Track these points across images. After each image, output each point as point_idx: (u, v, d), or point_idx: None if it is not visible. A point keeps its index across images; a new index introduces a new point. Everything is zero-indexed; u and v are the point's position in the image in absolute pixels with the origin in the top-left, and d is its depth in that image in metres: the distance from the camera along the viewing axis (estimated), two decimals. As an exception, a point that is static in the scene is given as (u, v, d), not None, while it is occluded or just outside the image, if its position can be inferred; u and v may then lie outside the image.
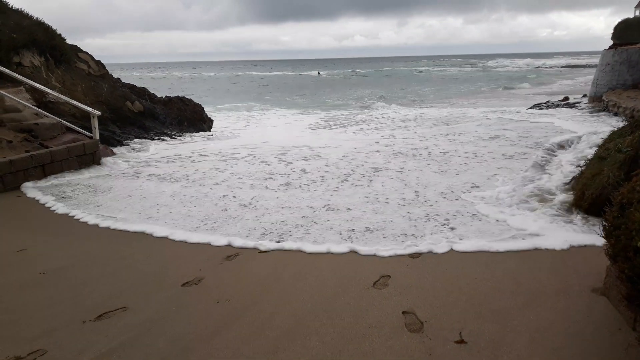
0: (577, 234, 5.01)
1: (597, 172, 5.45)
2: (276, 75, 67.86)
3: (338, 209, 6.44)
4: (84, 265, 4.75)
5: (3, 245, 5.35)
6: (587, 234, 4.95)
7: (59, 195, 7.50)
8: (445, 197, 6.77)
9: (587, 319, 3.35)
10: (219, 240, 5.35)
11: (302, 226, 5.77)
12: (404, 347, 3.11)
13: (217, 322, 3.54)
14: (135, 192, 7.63)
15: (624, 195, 3.41)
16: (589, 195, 5.34)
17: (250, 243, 5.22)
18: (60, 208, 6.82)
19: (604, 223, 3.47)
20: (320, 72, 70.44)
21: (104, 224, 6.08)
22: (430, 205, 6.41)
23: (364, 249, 4.90)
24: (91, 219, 6.27)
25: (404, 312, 3.56)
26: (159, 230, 5.73)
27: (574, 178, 6.51)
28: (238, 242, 5.27)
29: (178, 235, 5.57)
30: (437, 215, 5.96)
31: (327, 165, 9.27)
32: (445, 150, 10.30)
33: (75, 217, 6.42)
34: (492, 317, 3.44)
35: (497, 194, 6.70)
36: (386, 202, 6.68)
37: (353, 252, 4.86)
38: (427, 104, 25.13)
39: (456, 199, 6.65)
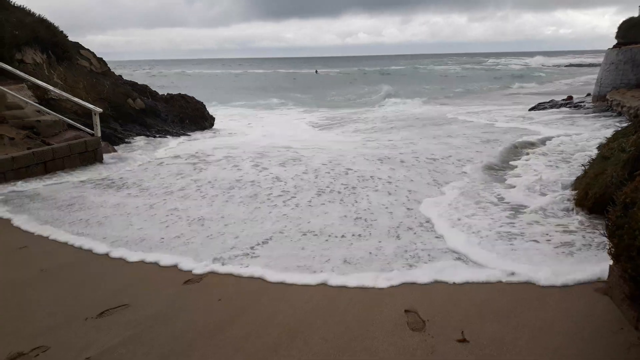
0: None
1: (601, 172, 5.44)
2: (280, 72, 67.62)
3: (309, 232, 5.43)
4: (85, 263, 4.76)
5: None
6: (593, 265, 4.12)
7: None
8: (428, 229, 5.43)
9: (589, 319, 3.34)
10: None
11: (256, 256, 4.75)
12: (406, 345, 3.11)
13: (219, 319, 3.54)
14: (77, 201, 6.88)
15: (627, 194, 3.40)
16: (592, 194, 5.32)
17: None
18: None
19: (607, 222, 3.47)
20: (318, 70, 69.98)
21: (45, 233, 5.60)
22: (420, 232, 5.32)
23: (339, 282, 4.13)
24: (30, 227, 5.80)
25: (406, 311, 3.55)
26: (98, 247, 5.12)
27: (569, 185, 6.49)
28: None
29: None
30: (429, 251, 4.76)
31: (305, 173, 8.35)
32: (439, 157, 9.49)
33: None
34: (494, 317, 3.43)
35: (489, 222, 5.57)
36: (371, 224, 5.63)
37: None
38: (427, 103, 25.08)
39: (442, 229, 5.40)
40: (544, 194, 6.44)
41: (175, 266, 4.57)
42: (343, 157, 9.64)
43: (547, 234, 5.05)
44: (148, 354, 3.13)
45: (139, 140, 12.03)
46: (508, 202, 6.30)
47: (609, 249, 3.42)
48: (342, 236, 5.30)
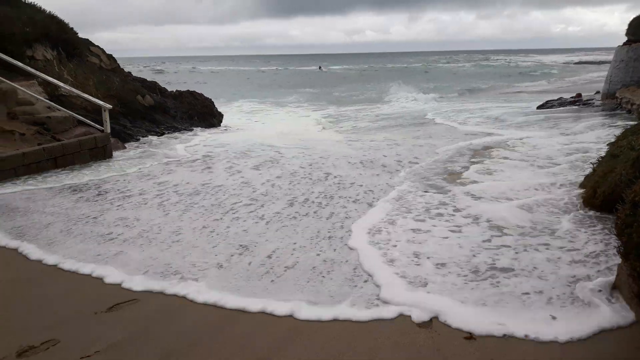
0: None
1: (610, 170, 5.40)
2: (290, 70, 67.60)
3: (273, 254, 4.59)
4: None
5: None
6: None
7: None
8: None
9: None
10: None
11: (197, 289, 3.94)
12: (412, 343, 3.12)
13: (224, 316, 3.57)
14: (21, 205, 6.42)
15: (637, 193, 3.38)
16: (600, 193, 5.29)
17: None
18: None
19: (616, 221, 3.46)
20: (322, 67, 70.43)
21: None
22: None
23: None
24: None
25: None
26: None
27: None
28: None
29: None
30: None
31: (278, 177, 7.70)
32: (428, 161, 8.67)
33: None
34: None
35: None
36: (352, 249, 4.66)
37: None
38: (433, 100, 24.94)
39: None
40: (526, 206, 5.66)
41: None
42: (325, 160, 9.04)
43: (551, 263, 4.15)
44: (154, 350, 3.16)
45: (149, 138, 12.05)
46: (489, 220, 5.31)
47: (618, 247, 3.41)
48: (312, 266, 4.32)
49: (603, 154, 6.45)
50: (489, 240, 4.78)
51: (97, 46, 14.34)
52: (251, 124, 16.53)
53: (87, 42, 14.13)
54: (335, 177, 7.71)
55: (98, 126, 9.96)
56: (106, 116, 9.86)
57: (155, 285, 4.05)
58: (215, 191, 7.02)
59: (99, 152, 9.42)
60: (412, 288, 3.85)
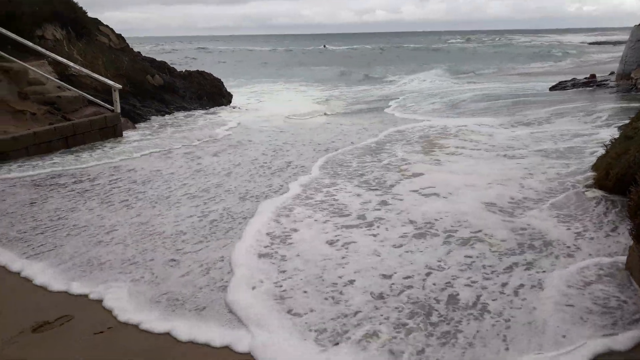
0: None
1: (623, 152, 5.32)
2: (300, 50, 66.91)
3: (211, 266, 3.84)
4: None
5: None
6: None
7: None
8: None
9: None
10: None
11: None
12: None
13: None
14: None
15: (651, 174, 3.34)
16: (613, 174, 5.23)
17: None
18: None
19: (629, 202, 3.43)
20: (327, 46, 71.64)
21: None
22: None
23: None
24: None
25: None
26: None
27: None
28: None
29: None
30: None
31: (238, 165, 7.20)
32: (415, 155, 7.56)
33: None
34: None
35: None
36: (298, 270, 3.65)
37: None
38: (438, 81, 24.67)
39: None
40: (493, 205, 4.78)
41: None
42: (292, 146, 8.54)
43: (534, 288, 3.30)
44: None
45: (159, 118, 12.09)
46: (446, 229, 4.27)
47: (631, 229, 3.38)
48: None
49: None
50: (442, 260, 3.69)
51: (106, 25, 14.29)
52: (259, 104, 16.50)
53: (96, 22, 14.07)
54: (295, 167, 7.06)
55: (108, 106, 9.98)
56: (116, 96, 9.87)
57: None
58: (167, 179, 6.48)
59: (109, 132, 9.46)
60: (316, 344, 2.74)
